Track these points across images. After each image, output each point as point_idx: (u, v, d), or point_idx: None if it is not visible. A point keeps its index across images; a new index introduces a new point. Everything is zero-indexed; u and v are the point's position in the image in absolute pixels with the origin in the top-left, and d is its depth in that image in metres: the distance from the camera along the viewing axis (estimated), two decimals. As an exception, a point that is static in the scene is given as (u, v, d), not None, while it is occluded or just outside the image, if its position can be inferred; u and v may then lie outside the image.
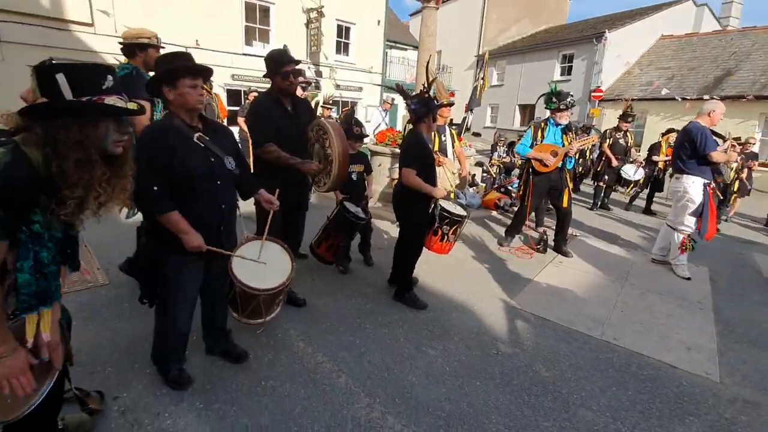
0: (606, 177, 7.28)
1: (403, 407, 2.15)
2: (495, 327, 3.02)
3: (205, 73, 1.93)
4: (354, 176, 3.66)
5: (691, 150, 3.91)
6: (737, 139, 6.49)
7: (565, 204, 4.50)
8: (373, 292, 3.42)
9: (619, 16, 18.51)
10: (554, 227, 4.81)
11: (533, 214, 5.43)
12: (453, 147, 4.82)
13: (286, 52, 2.78)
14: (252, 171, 2.47)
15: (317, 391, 2.20)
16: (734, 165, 6.45)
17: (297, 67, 2.74)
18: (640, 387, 2.44)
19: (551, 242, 4.79)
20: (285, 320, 2.81)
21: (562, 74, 18.93)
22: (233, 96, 12.71)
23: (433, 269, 3.63)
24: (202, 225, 1.92)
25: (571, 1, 25.49)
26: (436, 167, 3.39)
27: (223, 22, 12.20)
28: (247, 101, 7.94)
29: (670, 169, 5.41)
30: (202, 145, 1.92)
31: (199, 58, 3.00)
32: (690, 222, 4.03)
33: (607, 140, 7.26)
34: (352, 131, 3.69)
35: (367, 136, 4.20)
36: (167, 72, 1.85)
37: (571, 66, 18.33)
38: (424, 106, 3.04)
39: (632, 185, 7.29)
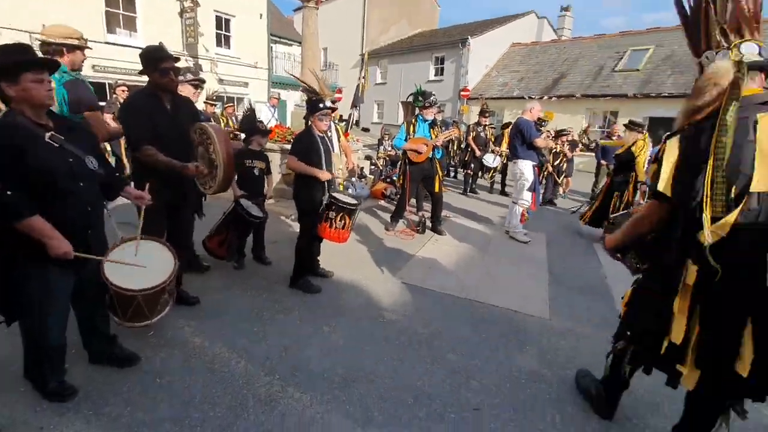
0: (472, 165, 8.44)
1: (301, 378, 2.39)
2: (381, 300, 3.43)
3: (50, 65, 1.86)
4: (256, 171, 3.73)
5: (522, 139, 4.95)
6: (561, 131, 8.11)
7: (436, 189, 5.19)
8: (268, 284, 3.55)
9: (480, 24, 21.03)
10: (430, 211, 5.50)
11: (414, 200, 6.07)
12: (339, 142, 5.14)
13: (163, 48, 2.73)
14: (131, 171, 2.40)
15: (216, 379, 2.31)
16: (563, 152, 8.07)
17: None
18: (489, 329, 3.07)
19: (429, 224, 5.47)
20: (176, 318, 2.81)
21: (435, 75, 20.78)
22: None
23: (326, 257, 3.90)
24: (68, 229, 1.83)
25: (440, 8, 27.90)
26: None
27: (78, 5, 10.54)
28: (115, 96, 7.13)
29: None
30: (57, 145, 1.83)
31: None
32: (527, 197, 5.07)
33: (471, 134, 8.40)
34: (257, 128, 3.80)
35: (270, 131, 4.24)
36: (6, 66, 1.72)
37: (443, 67, 20.26)
38: (308, 108, 3.34)
39: (492, 171, 8.57)
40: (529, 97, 15.31)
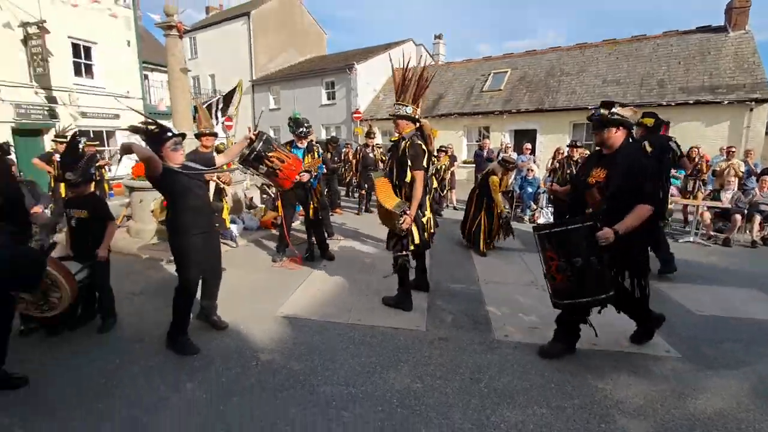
0: (366, 185, 8.67)
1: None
2: (257, 340, 3.23)
3: None
4: (73, 222, 3.24)
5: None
6: (441, 147, 8.79)
7: (310, 215, 5.13)
8: (121, 346, 3.13)
9: (365, 51, 22.03)
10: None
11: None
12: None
13: None
14: None
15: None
16: (443, 166, 8.72)
17: None
18: (369, 352, 3.07)
19: (318, 250, 5.39)
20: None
21: (328, 99, 21.15)
22: None
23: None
24: None
25: (327, 36, 28.68)
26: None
27: None
28: None
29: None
30: None
31: None
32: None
33: (358, 155, 8.67)
34: (90, 174, 3.35)
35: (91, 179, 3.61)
36: None
37: (335, 92, 20.74)
38: (152, 142, 2.99)
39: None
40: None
